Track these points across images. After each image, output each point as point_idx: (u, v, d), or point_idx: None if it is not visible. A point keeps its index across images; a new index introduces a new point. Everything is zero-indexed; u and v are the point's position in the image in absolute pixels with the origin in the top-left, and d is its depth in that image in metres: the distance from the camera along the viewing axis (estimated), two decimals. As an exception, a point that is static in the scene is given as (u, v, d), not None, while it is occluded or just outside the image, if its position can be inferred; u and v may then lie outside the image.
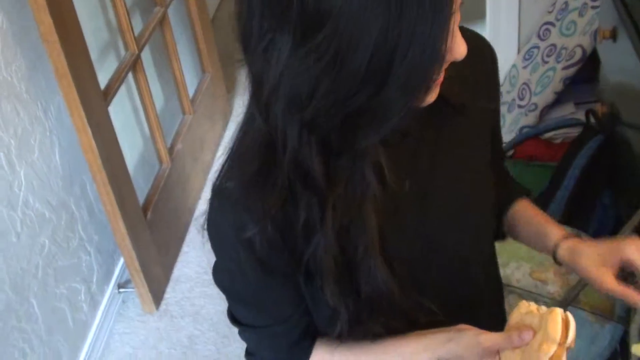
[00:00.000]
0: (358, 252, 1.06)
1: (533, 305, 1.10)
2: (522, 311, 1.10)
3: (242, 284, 1.14)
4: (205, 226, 1.10)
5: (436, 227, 1.19)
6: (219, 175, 1.07)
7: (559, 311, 1.05)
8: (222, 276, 1.17)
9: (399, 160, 1.06)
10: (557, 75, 2.74)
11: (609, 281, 1.16)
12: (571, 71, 2.71)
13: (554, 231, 1.27)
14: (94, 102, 2.52)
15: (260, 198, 1.01)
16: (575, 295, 1.53)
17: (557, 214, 2.16)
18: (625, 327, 1.70)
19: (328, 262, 1.05)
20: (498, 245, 1.81)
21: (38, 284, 2.45)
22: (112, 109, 2.69)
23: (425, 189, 1.16)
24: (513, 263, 1.69)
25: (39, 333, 2.44)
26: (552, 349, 1.03)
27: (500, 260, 1.73)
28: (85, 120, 2.44)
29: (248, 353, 1.27)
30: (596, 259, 1.18)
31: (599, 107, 2.28)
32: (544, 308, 1.08)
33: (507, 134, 2.95)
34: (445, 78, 0.97)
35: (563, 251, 1.24)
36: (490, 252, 1.37)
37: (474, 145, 1.22)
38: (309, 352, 1.23)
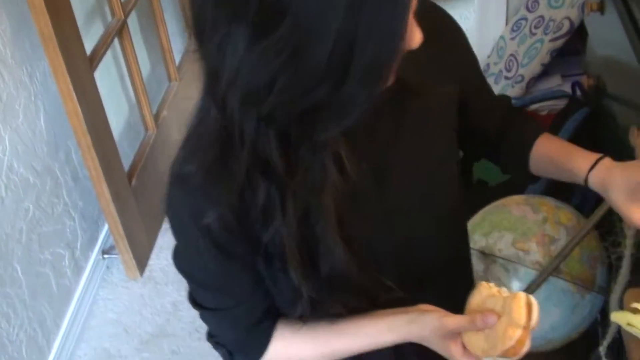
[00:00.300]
0: (317, 235, 1.06)
1: (494, 288, 1.11)
2: (484, 293, 1.11)
3: (202, 268, 1.15)
4: (165, 210, 1.10)
5: (395, 208, 1.18)
6: (177, 160, 1.06)
7: (522, 295, 1.06)
8: (181, 260, 1.17)
9: (358, 143, 1.06)
10: (544, 47, 2.74)
11: (637, 217, 1.13)
12: (558, 43, 2.71)
13: (580, 166, 1.23)
14: (79, 67, 2.50)
15: (219, 185, 1.01)
16: (557, 265, 1.54)
17: (541, 186, 2.17)
18: (606, 297, 1.71)
19: (291, 246, 1.05)
20: (481, 215, 1.82)
21: (22, 249, 2.45)
22: (97, 75, 2.68)
23: (384, 171, 1.16)
24: (496, 233, 1.70)
25: (22, 298, 2.44)
26: (517, 333, 1.04)
27: (482, 230, 1.74)
28: (70, 85, 2.42)
29: (210, 335, 1.28)
30: (624, 192, 1.14)
31: (585, 80, 2.28)
32: (505, 291, 1.09)
33: (494, 106, 2.95)
34: (402, 61, 0.96)
35: (594, 186, 1.20)
36: (454, 229, 1.36)
37: (436, 125, 1.21)
38: (269, 333, 1.23)
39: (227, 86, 0.89)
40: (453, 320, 1.11)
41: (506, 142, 1.37)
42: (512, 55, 2.94)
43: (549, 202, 1.75)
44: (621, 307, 1.39)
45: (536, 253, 1.65)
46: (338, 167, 1.02)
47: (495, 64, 3.08)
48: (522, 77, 2.82)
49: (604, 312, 1.83)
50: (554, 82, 2.82)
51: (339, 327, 1.20)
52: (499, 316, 1.06)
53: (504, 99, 1.41)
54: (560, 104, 2.58)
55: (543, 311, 1.67)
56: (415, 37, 0.93)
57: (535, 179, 1.40)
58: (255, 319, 1.21)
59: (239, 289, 1.17)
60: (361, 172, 1.07)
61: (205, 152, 1.01)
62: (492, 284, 1.12)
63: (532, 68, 2.79)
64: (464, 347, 1.11)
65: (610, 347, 1.56)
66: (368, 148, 1.11)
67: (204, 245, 1.08)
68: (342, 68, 0.84)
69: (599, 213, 1.51)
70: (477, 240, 1.75)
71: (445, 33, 1.22)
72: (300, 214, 1.03)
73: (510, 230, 1.69)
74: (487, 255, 1.69)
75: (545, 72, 2.81)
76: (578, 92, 2.35)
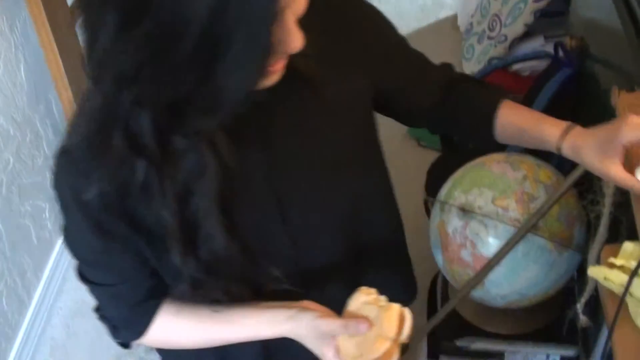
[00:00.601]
0: (198, 219, 1.06)
1: (372, 295, 1.12)
2: (361, 299, 1.12)
3: (83, 244, 1.15)
4: (52, 184, 1.10)
5: (287, 197, 1.19)
6: (65, 132, 1.06)
7: (395, 308, 1.08)
8: (66, 235, 1.18)
9: (249, 131, 1.07)
10: (528, 7, 2.74)
11: (615, 172, 1.10)
12: (542, 4, 2.71)
13: (550, 132, 1.22)
14: (61, 19, 2.48)
15: (99, 160, 1.00)
16: (535, 223, 1.56)
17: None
18: (583, 255, 1.73)
19: (171, 228, 1.05)
20: (462, 172, 1.83)
21: (2, 201, 2.44)
22: (79, 29, 2.65)
23: (277, 160, 1.16)
24: (475, 190, 1.71)
25: (3, 250, 2.44)
26: (385, 346, 1.06)
27: (462, 187, 1.76)
28: (52, 37, 2.40)
29: (96, 308, 1.28)
30: (597, 151, 1.12)
31: (568, 41, 2.29)
32: (383, 300, 1.11)
33: (476, 65, 2.96)
34: (295, 56, 0.95)
35: (566, 151, 1.20)
36: (368, 228, 1.35)
37: (340, 121, 1.20)
38: (153, 312, 1.24)
39: (98, 65, 0.90)
40: (327, 322, 1.13)
41: (465, 112, 1.35)
42: (495, 15, 2.94)
43: (529, 161, 1.76)
44: (598, 263, 1.41)
45: (515, 210, 1.66)
46: (219, 156, 1.02)
47: (479, 23, 3.08)
48: (505, 37, 2.82)
49: (581, 270, 1.85)
50: (537, 43, 2.82)
51: (222, 315, 1.22)
52: (372, 325, 1.08)
53: (445, 69, 1.38)
54: (542, 64, 2.58)
55: (521, 268, 1.69)
56: (293, 42, 0.92)
57: (501, 147, 1.38)
58: (140, 297, 1.21)
59: (122, 267, 1.17)
60: (251, 163, 1.09)
61: (87, 126, 1.00)
62: (372, 290, 1.14)
63: (515, 28, 2.79)
64: (338, 350, 1.13)
65: (586, 304, 1.58)
66: (260, 140, 1.12)
67: (84, 222, 1.08)
68: (208, 64, 0.84)
69: (578, 172, 1.52)
70: (456, 196, 1.76)
71: (353, 20, 1.20)
72: (179, 197, 1.03)
73: (490, 188, 1.70)
74: (466, 212, 1.70)
75: (528, 32, 2.81)
76: (561, 53, 2.35)
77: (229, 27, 0.81)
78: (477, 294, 1.83)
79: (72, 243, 1.17)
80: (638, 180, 1.08)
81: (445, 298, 2.18)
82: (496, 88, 1.36)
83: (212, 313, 1.21)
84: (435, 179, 1.90)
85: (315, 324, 1.14)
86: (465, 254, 1.74)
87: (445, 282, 2.20)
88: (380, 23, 1.26)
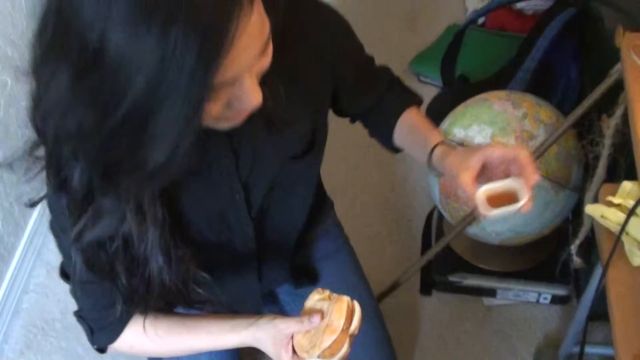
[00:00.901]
0: (136, 248, 1.08)
1: (326, 292, 1.18)
2: (316, 298, 1.18)
3: (64, 240, 1.17)
4: None
5: (252, 193, 1.24)
6: None
7: (345, 300, 1.13)
8: (54, 232, 1.20)
9: (215, 141, 1.11)
10: (534, -55, 2.71)
11: (463, 177, 1.15)
12: (549, -59, 2.68)
13: (433, 137, 1.29)
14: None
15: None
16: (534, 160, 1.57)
17: (522, 83, 2.18)
18: (580, 195, 1.74)
19: (69, 260, 1.11)
20: (463, 107, 1.83)
21: (0, 124, 2.44)
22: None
23: (244, 163, 1.19)
24: (475, 126, 1.71)
25: (1, 174, 2.44)
26: (334, 336, 1.11)
27: (462, 122, 1.76)
28: (52, -42, 2.37)
29: (76, 311, 1.30)
30: (459, 157, 1.18)
31: (573, -20, 2.27)
32: (335, 295, 1.16)
33: (479, 2, 2.94)
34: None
35: (436, 153, 1.26)
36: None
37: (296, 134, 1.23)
38: (127, 317, 1.27)
39: (44, 114, 0.92)
40: (283, 320, 1.18)
41: (376, 112, 1.41)
42: (501, -49, 2.91)
43: (530, 99, 1.76)
44: (596, 203, 1.42)
45: (514, 148, 1.67)
46: (144, 217, 1.04)
47: (484, -40, 3.05)
48: (510, -26, 2.79)
49: (577, 212, 1.86)
50: (542, -19, 2.80)
51: (191, 323, 1.28)
52: (324, 316, 1.14)
53: (385, 74, 1.42)
54: (547, 3, 2.56)
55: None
56: (251, 101, 0.92)
57: (397, 151, 1.45)
58: (117, 299, 1.21)
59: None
60: (221, 170, 1.16)
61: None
62: (325, 290, 1.19)
63: (520, -34, 2.76)
64: (294, 351, 1.18)
65: (580, 246, 1.60)
66: (225, 147, 1.15)
67: (64, 221, 1.09)
68: (136, 134, 0.84)
69: (578, 112, 1.52)
70: (456, 133, 1.76)
71: (314, 41, 1.21)
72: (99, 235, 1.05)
73: (490, 124, 1.70)
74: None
75: (534, -29, 2.79)
76: (565, -8, 2.34)
77: (156, 103, 0.82)
78: (472, 230, 1.84)
79: (55, 239, 1.21)
80: (476, 194, 1.14)
81: (440, 234, 2.19)
82: (411, 95, 1.42)
83: (185, 321, 1.28)
84: (436, 114, 1.89)
85: (273, 323, 1.19)
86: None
87: (441, 217, 2.21)
88: (335, 32, 1.26)
